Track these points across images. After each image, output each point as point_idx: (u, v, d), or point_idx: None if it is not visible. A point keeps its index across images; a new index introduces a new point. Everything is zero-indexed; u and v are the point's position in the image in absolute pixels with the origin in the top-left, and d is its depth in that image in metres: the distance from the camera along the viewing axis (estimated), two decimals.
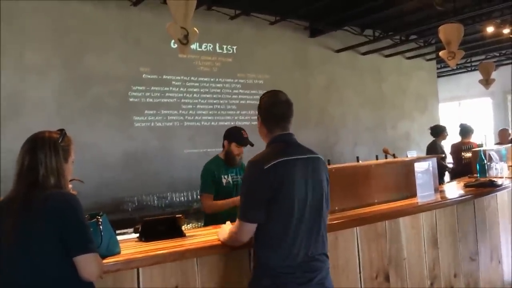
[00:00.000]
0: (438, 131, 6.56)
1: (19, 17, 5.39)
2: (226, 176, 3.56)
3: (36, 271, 1.67)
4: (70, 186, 1.91)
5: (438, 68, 11.37)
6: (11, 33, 5.34)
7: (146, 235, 2.44)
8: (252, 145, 3.52)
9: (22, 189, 1.74)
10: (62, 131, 1.88)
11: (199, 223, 5.06)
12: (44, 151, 1.78)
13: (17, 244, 1.67)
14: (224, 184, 3.53)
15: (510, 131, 7.29)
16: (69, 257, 1.68)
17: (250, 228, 2.05)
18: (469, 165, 5.16)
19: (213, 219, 3.23)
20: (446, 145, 6.65)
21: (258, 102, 2.27)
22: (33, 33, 5.49)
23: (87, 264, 1.69)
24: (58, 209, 1.69)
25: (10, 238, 1.67)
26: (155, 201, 5.64)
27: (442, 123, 10.44)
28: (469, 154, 5.58)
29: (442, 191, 3.88)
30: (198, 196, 3.73)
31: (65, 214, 1.70)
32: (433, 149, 6.31)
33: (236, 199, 3.31)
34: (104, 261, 1.92)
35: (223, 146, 3.62)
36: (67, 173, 1.85)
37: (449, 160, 6.57)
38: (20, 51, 5.42)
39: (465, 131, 6.28)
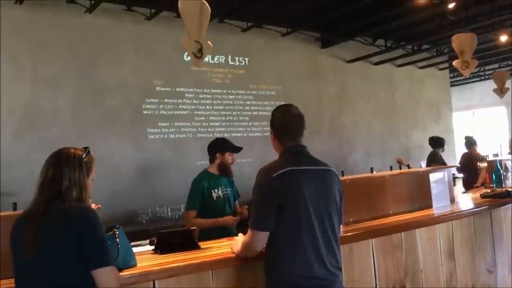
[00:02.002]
0: (439, 143, 6.72)
1: (34, 29, 5.49)
2: (216, 190, 3.54)
3: (55, 284, 1.69)
4: (90, 200, 1.94)
5: (451, 77, 11.29)
6: (26, 46, 5.44)
7: (162, 248, 2.45)
8: (241, 148, 3.60)
9: (43, 200, 1.77)
10: (86, 149, 1.93)
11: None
12: (68, 165, 1.82)
13: (37, 256, 1.69)
14: (215, 199, 3.51)
15: None
16: (88, 269, 1.70)
17: (263, 237, 2.06)
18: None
19: (207, 235, 3.12)
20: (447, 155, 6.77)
21: (270, 113, 2.29)
22: (48, 46, 5.58)
23: (105, 277, 1.71)
24: (77, 222, 1.72)
25: (30, 250, 1.69)
26: (169, 213, 5.66)
27: (456, 132, 10.42)
28: (484, 164, 5.53)
29: (458, 202, 3.84)
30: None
31: (84, 227, 1.72)
32: (435, 159, 6.32)
33: (218, 220, 3.41)
34: (121, 273, 1.94)
35: (213, 160, 3.61)
36: (89, 188, 1.89)
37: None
38: (35, 63, 5.50)
39: (472, 143, 6.41)
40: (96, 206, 1.97)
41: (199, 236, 2.99)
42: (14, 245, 1.77)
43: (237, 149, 3.59)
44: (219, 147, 3.59)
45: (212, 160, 3.62)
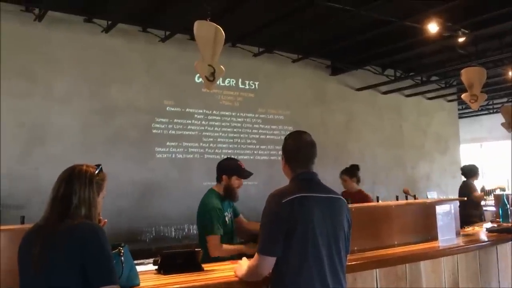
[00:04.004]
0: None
1: (49, 47, 5.60)
2: (227, 213, 3.35)
3: None
4: (100, 218, 1.95)
5: (459, 109, 11.31)
6: (41, 63, 5.54)
7: (165, 268, 2.45)
8: (251, 174, 3.39)
9: (53, 216, 1.79)
10: (99, 166, 1.95)
11: None
12: (79, 182, 1.84)
13: (41, 272, 1.69)
14: (227, 222, 3.32)
15: None
16: (91, 287, 1.69)
17: (270, 262, 2.05)
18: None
19: (213, 259, 3.06)
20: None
21: (277, 137, 2.32)
22: (61, 64, 5.68)
23: None
24: (83, 239, 1.72)
25: (36, 268, 1.70)
26: (173, 233, 5.65)
27: (463, 164, 10.31)
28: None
29: (463, 235, 3.82)
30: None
31: (90, 244, 1.73)
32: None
33: (243, 247, 3.18)
34: None
35: (219, 180, 3.37)
36: (98, 206, 1.90)
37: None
38: (49, 80, 5.60)
39: (472, 172, 6.19)
40: (102, 222, 1.98)
41: (207, 259, 2.93)
42: (20, 261, 1.78)
43: (246, 175, 3.37)
44: (228, 169, 3.36)
45: (218, 180, 3.40)
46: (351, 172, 5.18)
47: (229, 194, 3.35)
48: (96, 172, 1.92)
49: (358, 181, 5.15)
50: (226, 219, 3.33)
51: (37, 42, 5.53)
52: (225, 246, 3.19)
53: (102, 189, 1.95)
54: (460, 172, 6.56)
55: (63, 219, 1.76)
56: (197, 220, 3.38)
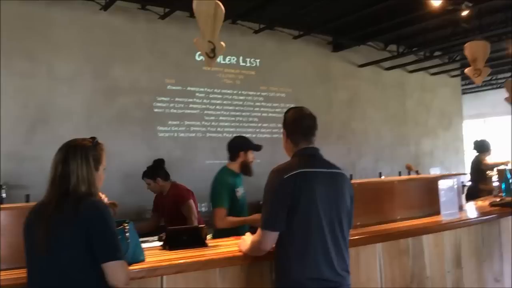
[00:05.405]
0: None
1: (50, 28, 5.58)
2: (239, 189, 3.48)
3: (64, 277, 1.71)
4: (103, 196, 1.95)
5: (463, 85, 11.24)
6: (42, 44, 5.53)
7: (170, 244, 2.48)
8: (262, 147, 3.56)
9: (54, 196, 1.79)
10: (94, 139, 1.94)
11: None
12: (75, 160, 1.82)
13: (47, 250, 1.71)
14: (238, 198, 3.45)
15: None
16: (97, 264, 1.72)
17: (272, 237, 2.07)
18: None
19: (224, 233, 3.14)
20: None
21: (279, 115, 2.32)
22: (63, 44, 5.66)
23: (115, 271, 1.73)
24: (88, 216, 1.73)
25: (42, 248, 1.71)
26: None
27: (466, 140, 10.28)
28: (494, 173, 5.43)
29: (466, 210, 3.83)
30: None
31: (95, 221, 1.74)
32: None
33: (247, 218, 3.34)
34: (130, 268, 1.96)
35: (234, 158, 3.50)
36: (98, 181, 1.90)
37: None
38: (51, 61, 5.59)
39: (484, 147, 6.03)
40: (111, 202, 1.98)
41: (228, 233, 3.02)
42: (26, 240, 1.80)
43: (259, 148, 3.55)
44: (243, 146, 3.51)
45: (233, 158, 3.51)
46: (152, 172, 4.26)
47: (247, 169, 3.50)
48: (91, 146, 1.89)
49: (166, 178, 4.29)
50: (237, 195, 3.44)
51: (37, 22, 5.50)
52: (229, 218, 3.30)
53: (101, 162, 1.93)
54: (468, 147, 6.49)
55: (65, 198, 1.77)
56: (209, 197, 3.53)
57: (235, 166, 3.51)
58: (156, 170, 4.23)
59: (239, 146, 3.52)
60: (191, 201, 4.09)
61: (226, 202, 3.32)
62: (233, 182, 3.43)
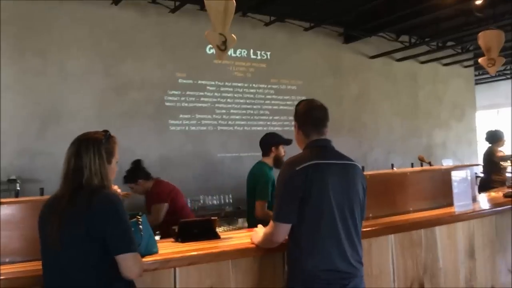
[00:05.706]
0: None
1: (60, 25, 5.61)
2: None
3: (77, 269, 1.74)
4: (115, 187, 1.97)
5: (476, 75, 11.07)
6: (53, 41, 5.56)
7: (183, 236, 2.50)
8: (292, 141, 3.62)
9: (68, 190, 1.81)
10: (106, 133, 1.95)
11: (231, 226, 5.12)
12: (88, 154, 1.84)
13: (61, 242, 1.73)
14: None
15: None
16: (110, 256, 1.74)
17: (284, 229, 2.08)
18: None
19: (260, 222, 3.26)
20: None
21: (290, 108, 2.32)
22: (74, 41, 5.69)
23: (128, 263, 1.74)
24: (101, 209, 1.75)
25: (56, 242, 1.73)
26: (189, 204, 5.71)
27: (479, 131, 10.13)
28: (508, 164, 5.35)
29: (479, 201, 3.80)
30: (249, 200, 3.85)
31: (109, 214, 1.75)
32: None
33: None
34: (143, 259, 1.98)
35: (267, 153, 3.79)
36: (111, 173, 1.92)
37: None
38: (62, 58, 5.63)
39: (496, 137, 5.88)
40: (124, 193, 2.00)
41: (253, 223, 3.13)
42: (41, 234, 1.82)
43: (289, 142, 3.69)
44: (273, 140, 3.78)
45: (267, 154, 3.80)
46: (132, 175, 4.07)
47: (279, 163, 3.71)
48: (104, 139, 1.90)
49: (147, 178, 4.13)
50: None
51: (48, 19, 5.53)
52: (268, 211, 3.52)
53: (114, 155, 1.94)
54: (481, 138, 6.36)
55: (78, 192, 1.79)
56: (249, 189, 3.82)
57: (269, 161, 3.80)
58: (135, 172, 4.06)
59: (269, 142, 3.80)
60: (162, 205, 3.91)
61: (268, 195, 3.60)
62: (272, 176, 3.71)
